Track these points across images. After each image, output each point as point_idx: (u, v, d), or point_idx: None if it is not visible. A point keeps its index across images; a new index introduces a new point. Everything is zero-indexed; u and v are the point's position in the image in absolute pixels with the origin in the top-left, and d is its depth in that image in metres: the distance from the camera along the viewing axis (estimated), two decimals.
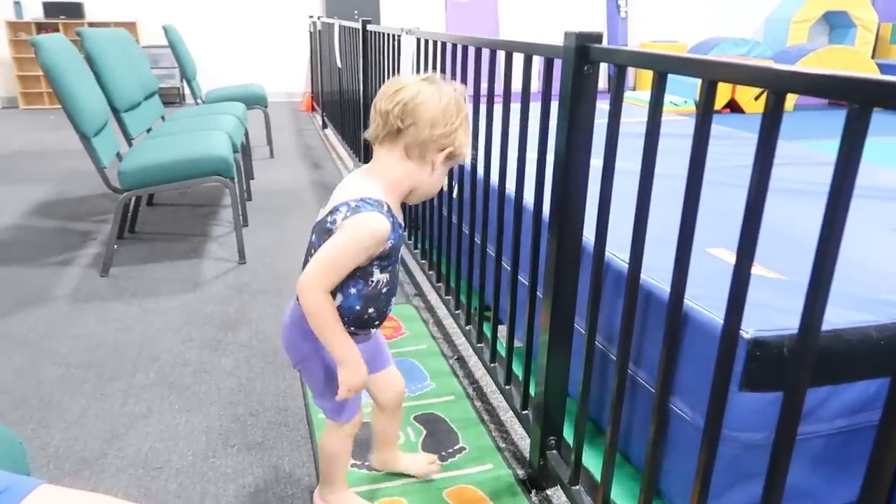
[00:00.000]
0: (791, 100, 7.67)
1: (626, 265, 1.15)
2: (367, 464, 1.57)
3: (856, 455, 1.33)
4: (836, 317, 1.24)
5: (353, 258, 1.12)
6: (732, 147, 2.81)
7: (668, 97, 7.13)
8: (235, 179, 2.90)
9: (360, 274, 1.16)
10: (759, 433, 1.23)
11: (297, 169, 4.67)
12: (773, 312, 1.21)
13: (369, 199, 1.12)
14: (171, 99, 7.39)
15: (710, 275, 1.38)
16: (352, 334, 1.20)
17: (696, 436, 1.32)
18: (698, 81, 0.93)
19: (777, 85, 0.78)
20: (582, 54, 1.18)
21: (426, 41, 2.27)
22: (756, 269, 1.47)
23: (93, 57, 2.94)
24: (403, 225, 1.21)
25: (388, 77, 3.02)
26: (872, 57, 8.82)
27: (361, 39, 3.58)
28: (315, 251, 1.16)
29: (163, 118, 3.97)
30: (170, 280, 2.69)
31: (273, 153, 5.04)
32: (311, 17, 6.33)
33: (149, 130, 3.54)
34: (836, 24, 9.18)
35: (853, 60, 7.62)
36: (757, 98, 7.07)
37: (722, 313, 0.91)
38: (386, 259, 1.16)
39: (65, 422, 1.76)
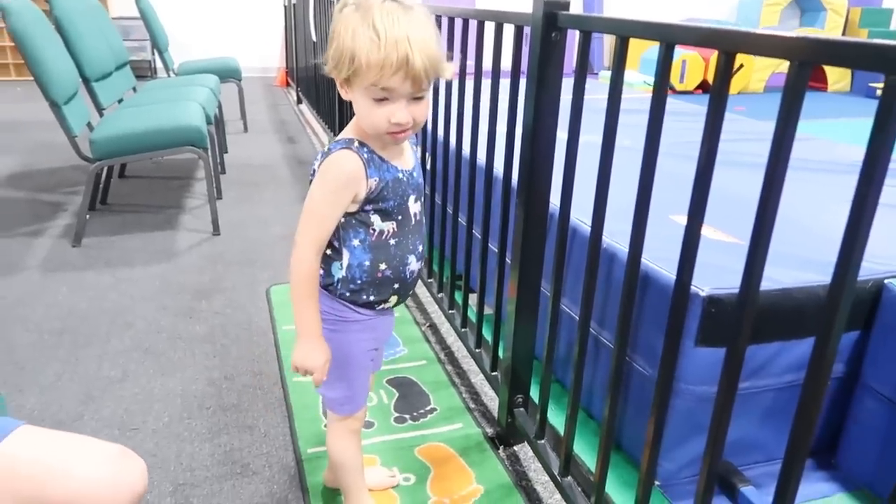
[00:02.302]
0: (761, 81, 7.80)
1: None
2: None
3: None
4: (786, 277, 1.31)
5: (332, 202, 1.03)
6: (703, 123, 2.87)
7: (643, 77, 7.22)
8: (209, 151, 2.89)
9: (356, 222, 1.07)
10: (714, 387, 1.29)
11: (272, 143, 4.65)
12: (728, 273, 1.27)
13: (338, 140, 1.05)
14: (141, 72, 7.26)
15: (671, 238, 1.43)
16: (369, 305, 1.13)
17: (641, 383, 1.39)
18: (673, 63, 0.97)
19: (728, 45, 0.83)
20: (550, 21, 1.21)
21: None
22: (716, 234, 1.54)
23: (62, 24, 2.89)
24: (408, 166, 1.10)
25: None
26: None
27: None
28: None
29: (134, 90, 3.92)
30: (143, 250, 2.69)
31: (247, 127, 5.01)
32: None
33: (120, 101, 3.50)
34: (807, 8, 9.30)
35: None
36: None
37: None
38: (382, 203, 1.05)
39: (39, 385, 1.77)
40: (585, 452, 1.49)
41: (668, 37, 0.94)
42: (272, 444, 1.57)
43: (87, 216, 2.80)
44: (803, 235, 1.57)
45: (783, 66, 0.78)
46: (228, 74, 4.83)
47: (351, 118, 1.09)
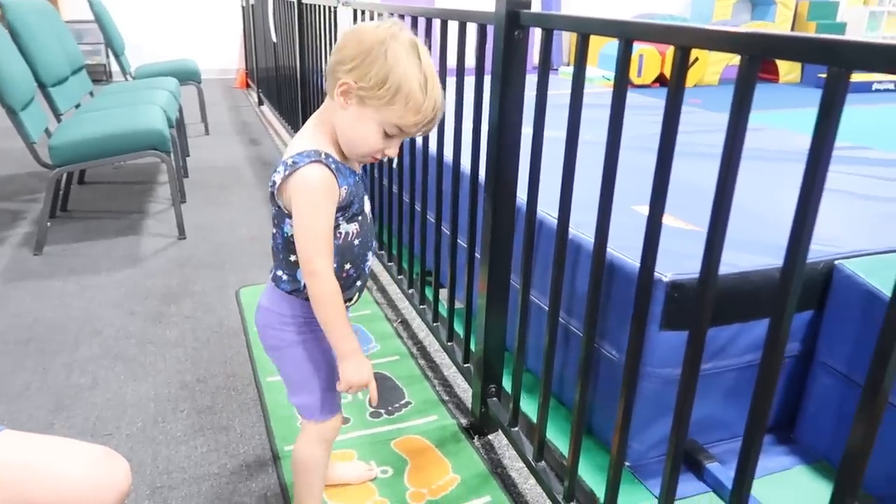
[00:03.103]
0: (715, 74, 7.99)
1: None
2: None
3: None
4: (744, 261, 1.37)
5: (325, 216, 1.02)
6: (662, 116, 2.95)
7: (602, 72, 7.34)
8: (172, 154, 2.86)
9: None
10: (679, 369, 1.35)
11: (234, 145, 4.61)
12: (689, 259, 1.32)
13: (303, 152, 1.02)
14: (97, 76, 7.11)
15: (635, 228, 1.48)
16: None
17: (610, 367, 1.44)
18: (631, 57, 1.01)
19: (684, 40, 0.87)
20: (512, 19, 1.25)
21: (363, 12, 2.30)
22: (676, 223, 1.60)
23: (16, 29, 2.83)
24: (359, 170, 1.11)
25: (326, 51, 3.03)
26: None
27: (297, 13, 3.56)
28: (274, 221, 1.09)
29: (91, 94, 3.85)
30: (107, 257, 2.66)
31: (208, 130, 4.95)
32: None
33: (77, 107, 3.44)
34: (758, 2, 9.55)
35: None
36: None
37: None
38: (347, 208, 1.06)
39: (7, 396, 1.75)
40: (558, 438, 1.53)
41: (627, 33, 0.99)
42: (248, 444, 1.57)
43: (48, 224, 2.75)
44: (758, 221, 1.64)
45: (736, 59, 0.82)
46: (187, 77, 4.77)
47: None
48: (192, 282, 2.44)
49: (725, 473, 1.38)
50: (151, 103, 3.18)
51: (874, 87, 7.13)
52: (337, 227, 1.06)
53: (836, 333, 1.40)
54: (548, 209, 1.56)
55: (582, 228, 1.50)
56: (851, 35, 9.07)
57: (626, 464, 1.45)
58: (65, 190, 3.23)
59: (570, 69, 7.88)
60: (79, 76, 3.64)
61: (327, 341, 1.10)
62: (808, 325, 1.45)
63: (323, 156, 1.02)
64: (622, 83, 1.02)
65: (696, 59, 7.45)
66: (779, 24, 9.27)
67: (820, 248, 1.45)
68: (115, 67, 7.11)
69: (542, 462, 1.37)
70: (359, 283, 1.15)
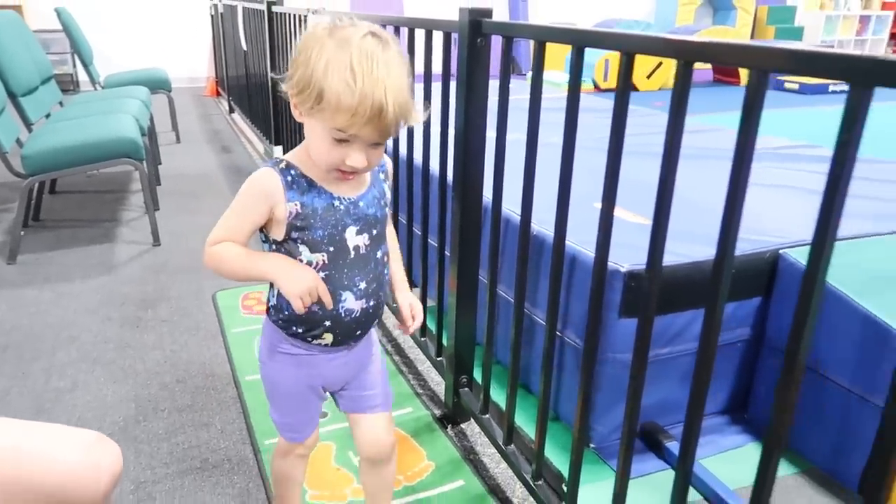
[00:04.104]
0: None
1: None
2: None
3: (718, 371, 1.57)
4: (697, 252, 1.46)
5: (239, 211, 0.99)
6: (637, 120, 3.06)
7: (564, 77, 7.47)
8: (145, 162, 2.89)
9: (284, 251, 1.00)
10: None
11: (206, 153, 4.63)
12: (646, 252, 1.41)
13: (272, 159, 1.00)
14: (64, 86, 7.02)
15: (595, 223, 1.57)
16: (300, 337, 1.05)
17: (571, 354, 1.52)
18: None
19: (628, 47, 0.95)
20: (475, 28, 1.33)
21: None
22: (636, 218, 1.69)
23: None
24: (344, 196, 1.00)
25: None
26: (752, 37, 9.51)
27: (267, 21, 3.61)
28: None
29: (61, 104, 3.85)
30: (82, 264, 2.68)
31: (179, 138, 4.96)
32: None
33: (47, 116, 3.45)
34: (719, 7, 9.80)
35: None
36: (649, 76, 7.50)
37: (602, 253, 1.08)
38: (308, 231, 0.97)
39: None
40: (527, 424, 1.60)
41: (580, 41, 1.07)
42: (229, 439, 1.62)
43: (22, 233, 2.76)
44: (711, 216, 1.73)
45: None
46: (157, 85, 4.78)
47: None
48: (168, 287, 2.47)
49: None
50: (123, 112, 3.20)
51: (830, 88, 7.38)
52: (296, 253, 0.99)
53: (783, 316, 1.50)
54: (514, 207, 1.64)
55: (545, 225, 1.58)
56: (795, 42, 9.32)
57: (592, 445, 1.54)
58: (36, 200, 3.23)
59: (548, 74, 8.02)
60: (48, 86, 3.64)
61: (285, 371, 1.08)
62: (758, 310, 1.55)
63: (282, 165, 0.98)
64: (576, 87, 1.11)
65: (661, 64, 7.65)
66: (739, 28, 9.53)
67: (767, 239, 1.55)
68: (82, 77, 7.05)
69: (512, 446, 1.45)
70: (328, 323, 1.02)
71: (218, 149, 4.76)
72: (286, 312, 1.03)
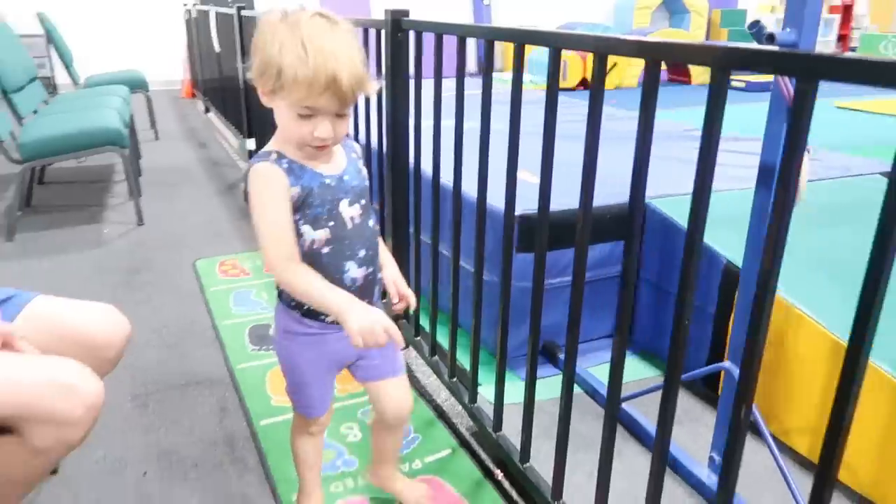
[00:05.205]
0: (634, 77, 8.66)
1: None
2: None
3: (604, 300, 1.95)
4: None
5: (273, 209, 1.03)
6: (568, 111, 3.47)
7: (529, 77, 7.88)
8: (128, 149, 3.22)
9: None
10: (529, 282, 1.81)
11: (184, 148, 4.94)
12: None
13: (258, 154, 1.07)
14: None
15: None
16: (315, 317, 1.13)
17: (493, 290, 1.89)
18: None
19: (554, 42, 1.24)
20: (396, 25, 1.69)
21: None
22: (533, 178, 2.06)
23: None
24: (331, 174, 1.09)
25: None
26: (706, 39, 10.02)
27: (237, 24, 3.95)
28: None
29: (45, 102, 4.15)
30: (74, 241, 3.00)
31: (158, 136, 5.26)
32: (185, 4, 6.51)
33: (35, 112, 3.75)
34: (675, 10, 10.30)
35: None
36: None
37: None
38: (309, 210, 1.05)
39: None
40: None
41: (487, 35, 1.38)
42: (211, 365, 1.97)
43: (19, 213, 3.08)
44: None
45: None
46: (136, 86, 5.08)
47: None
48: (152, 259, 2.80)
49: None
50: (106, 107, 3.52)
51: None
52: (301, 233, 1.06)
53: (649, 253, 1.89)
54: (449, 178, 2.01)
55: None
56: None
57: None
58: (28, 188, 3.54)
59: (501, 75, 8.42)
60: (34, 85, 3.95)
61: (302, 352, 1.16)
62: None
63: (274, 155, 1.04)
64: (517, 82, 1.35)
65: (615, 64, 8.09)
66: (694, 31, 10.03)
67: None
68: (59, 80, 7.30)
69: (436, 357, 1.82)
70: None
71: (195, 145, 5.08)
72: None
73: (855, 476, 1.45)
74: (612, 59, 1.18)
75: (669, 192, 1.95)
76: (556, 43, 1.18)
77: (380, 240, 1.21)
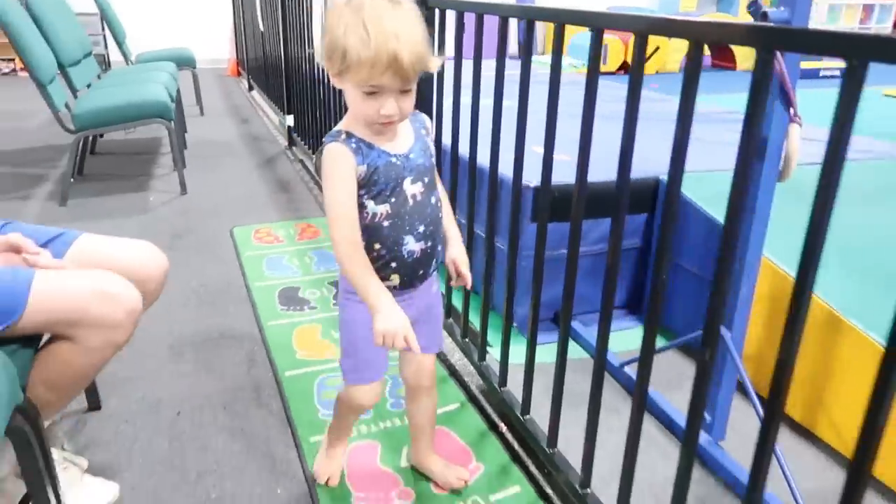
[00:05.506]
0: (676, 62, 8.55)
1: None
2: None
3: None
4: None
5: (342, 191, 1.09)
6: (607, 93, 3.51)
7: (569, 61, 7.87)
8: (174, 122, 3.38)
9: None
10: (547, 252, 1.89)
11: (227, 124, 5.13)
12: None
13: (330, 133, 1.13)
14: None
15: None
16: None
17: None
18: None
19: (594, 22, 1.30)
20: (421, 2, 1.77)
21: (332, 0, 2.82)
22: (562, 157, 2.14)
23: (38, 16, 3.34)
24: (398, 152, 1.13)
25: (306, 37, 3.55)
26: None
27: (280, 2, 4.07)
28: None
29: (98, 77, 4.36)
30: (122, 207, 3.18)
31: (203, 111, 5.46)
32: None
33: (88, 86, 3.95)
34: None
35: None
36: (647, 59, 7.86)
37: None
38: (373, 187, 1.11)
39: None
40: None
41: (504, 12, 1.46)
42: (243, 322, 2.11)
43: (72, 179, 3.27)
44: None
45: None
46: (184, 63, 5.28)
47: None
48: (194, 224, 2.96)
49: (584, 329, 1.93)
50: (155, 81, 3.70)
51: (821, 73, 7.69)
52: (363, 206, 1.11)
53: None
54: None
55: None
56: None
57: (514, 324, 1.99)
58: (80, 157, 3.75)
59: (542, 58, 8.42)
60: (88, 60, 4.15)
61: (360, 316, 1.18)
62: (645, 224, 2.00)
63: (343, 135, 1.10)
64: (527, 61, 1.43)
65: (658, 48, 8.01)
66: (742, 17, 9.82)
67: (651, 167, 1.99)
68: (112, 58, 7.59)
69: (450, 319, 1.91)
70: (394, 264, 1.16)
71: (238, 121, 5.26)
72: None
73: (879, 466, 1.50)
74: (653, 43, 1.14)
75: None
76: (596, 23, 1.17)
77: (447, 217, 1.26)
